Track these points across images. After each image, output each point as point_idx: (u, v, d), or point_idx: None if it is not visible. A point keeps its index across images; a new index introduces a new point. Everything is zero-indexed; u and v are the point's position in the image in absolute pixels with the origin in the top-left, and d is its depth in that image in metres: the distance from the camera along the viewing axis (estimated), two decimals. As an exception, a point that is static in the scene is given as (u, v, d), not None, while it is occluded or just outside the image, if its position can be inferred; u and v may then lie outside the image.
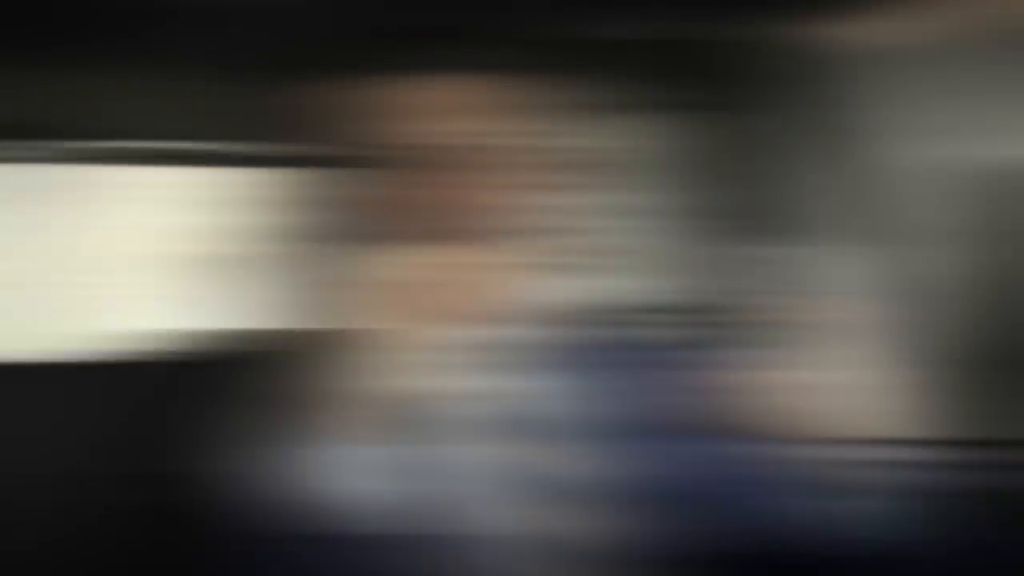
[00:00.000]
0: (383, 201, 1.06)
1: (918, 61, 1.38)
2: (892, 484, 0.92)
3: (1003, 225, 1.29)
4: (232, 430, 1.08)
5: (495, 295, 1.06)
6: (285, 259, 1.57)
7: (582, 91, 1.49)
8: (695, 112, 1.35)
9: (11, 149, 1.61)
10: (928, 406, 1.32)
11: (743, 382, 0.88)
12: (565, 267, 1.41)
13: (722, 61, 1.31)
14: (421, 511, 0.98)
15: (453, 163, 1.03)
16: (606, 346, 1.17)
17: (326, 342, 1.04)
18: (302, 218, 1.52)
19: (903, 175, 1.31)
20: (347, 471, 0.97)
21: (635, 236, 1.46)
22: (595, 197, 1.42)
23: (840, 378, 1.40)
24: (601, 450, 1.04)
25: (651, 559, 1.00)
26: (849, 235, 1.37)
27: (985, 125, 1.40)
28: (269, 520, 0.97)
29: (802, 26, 1.29)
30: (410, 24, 1.07)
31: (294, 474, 0.98)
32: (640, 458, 1.04)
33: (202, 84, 1.45)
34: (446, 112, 1.04)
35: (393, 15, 1.10)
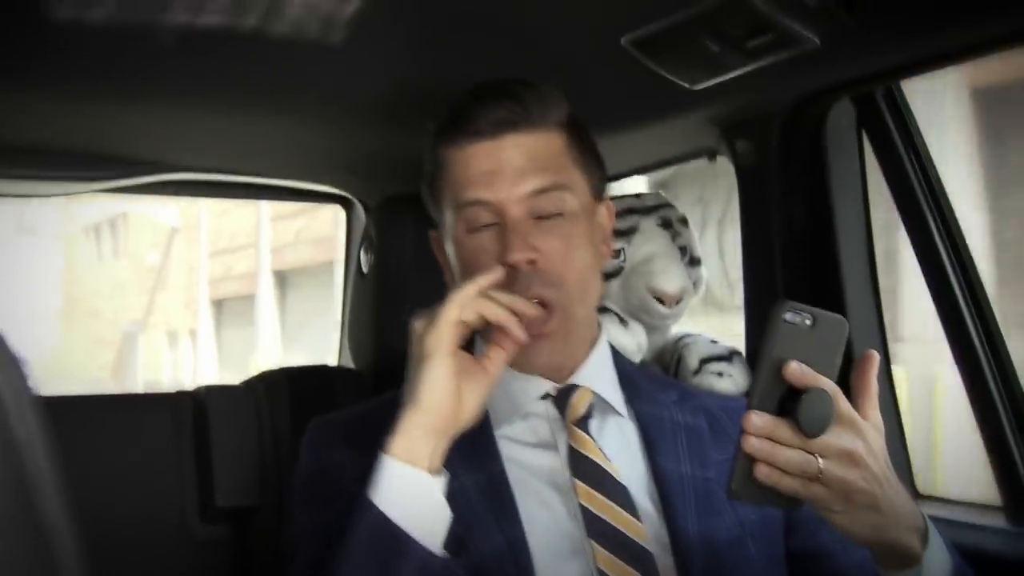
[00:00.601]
0: (463, 250, 1.04)
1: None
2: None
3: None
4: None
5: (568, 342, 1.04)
6: (355, 295, 1.56)
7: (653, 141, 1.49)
8: (769, 164, 1.35)
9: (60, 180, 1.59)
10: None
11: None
12: (631, 312, 1.39)
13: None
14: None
15: (527, 217, 1.00)
16: (677, 392, 1.14)
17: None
18: (369, 256, 1.51)
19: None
20: None
21: (702, 283, 1.45)
22: (662, 243, 1.41)
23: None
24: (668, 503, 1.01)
25: None
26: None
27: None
28: None
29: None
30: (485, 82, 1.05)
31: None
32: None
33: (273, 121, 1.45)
34: (522, 168, 1.01)
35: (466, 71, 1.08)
